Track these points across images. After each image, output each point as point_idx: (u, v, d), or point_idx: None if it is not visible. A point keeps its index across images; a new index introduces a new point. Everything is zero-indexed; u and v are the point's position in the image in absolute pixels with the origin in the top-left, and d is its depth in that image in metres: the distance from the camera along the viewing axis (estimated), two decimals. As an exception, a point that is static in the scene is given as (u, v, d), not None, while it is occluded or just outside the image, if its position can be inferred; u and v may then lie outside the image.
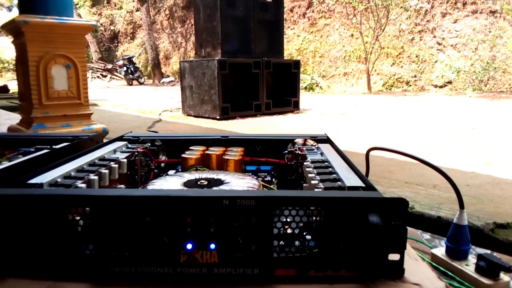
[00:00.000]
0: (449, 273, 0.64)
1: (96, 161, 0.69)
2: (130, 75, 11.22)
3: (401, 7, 7.24)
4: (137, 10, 13.96)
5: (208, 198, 0.47)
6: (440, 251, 0.69)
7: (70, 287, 0.47)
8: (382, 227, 0.45)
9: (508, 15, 6.40)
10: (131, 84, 11.13)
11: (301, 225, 0.48)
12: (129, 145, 0.85)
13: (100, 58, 14.48)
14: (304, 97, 5.04)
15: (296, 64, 4.17)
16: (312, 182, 0.59)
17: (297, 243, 0.48)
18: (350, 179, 0.57)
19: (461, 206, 0.65)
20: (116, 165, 0.68)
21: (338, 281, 0.48)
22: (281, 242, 0.48)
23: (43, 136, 1.06)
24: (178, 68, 4.67)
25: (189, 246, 0.47)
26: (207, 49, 3.77)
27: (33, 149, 0.79)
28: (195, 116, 3.75)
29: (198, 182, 0.67)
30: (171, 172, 0.85)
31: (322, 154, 0.75)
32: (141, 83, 11.34)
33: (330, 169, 0.64)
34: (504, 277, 0.60)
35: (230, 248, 0.48)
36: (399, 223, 0.47)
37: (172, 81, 11.27)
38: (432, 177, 1.42)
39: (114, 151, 0.78)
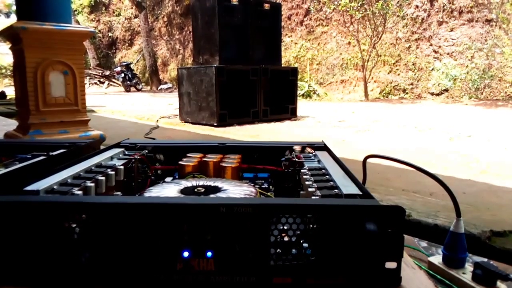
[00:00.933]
0: (446, 281, 0.64)
1: (93, 168, 0.69)
2: (128, 82, 11.23)
3: (398, 15, 7.30)
4: (136, 17, 14.01)
5: (205, 206, 0.47)
6: (437, 259, 0.69)
7: (66, 295, 0.47)
8: (379, 235, 0.45)
9: (503, 23, 6.46)
10: (129, 91, 11.13)
11: (298, 232, 0.48)
12: (126, 152, 0.84)
13: (98, 65, 14.50)
14: (302, 104, 5.06)
15: (294, 71, 4.19)
16: (309, 189, 0.59)
17: (294, 251, 0.48)
18: (347, 187, 0.57)
19: (458, 214, 0.65)
20: (113, 172, 0.68)
21: (335, 289, 0.48)
22: (278, 250, 0.48)
23: (40, 142, 1.06)
24: (176, 75, 4.68)
25: (185, 253, 0.47)
26: (205, 56, 3.79)
27: (30, 156, 0.79)
28: (192, 123, 3.75)
29: (195, 190, 0.67)
30: (168, 179, 0.85)
31: (319, 161, 0.75)
32: (138, 90, 11.34)
33: (327, 176, 0.64)
34: (501, 285, 0.60)
35: (226, 256, 0.47)
36: (396, 231, 0.47)
37: (169, 87, 11.28)
38: (429, 185, 1.42)
39: (111, 158, 0.78)
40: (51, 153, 0.81)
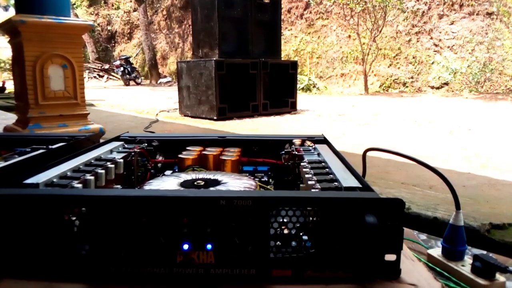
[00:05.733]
0: (445, 273, 0.65)
1: (92, 161, 0.69)
2: (127, 75, 11.20)
3: (398, 8, 7.26)
4: (135, 10, 13.94)
5: (205, 199, 0.47)
6: (436, 251, 0.69)
7: (66, 287, 0.47)
8: (379, 228, 0.45)
9: (504, 17, 6.43)
10: (128, 85, 11.11)
11: (298, 225, 0.48)
12: (126, 145, 0.84)
13: (97, 58, 14.45)
14: (301, 98, 5.05)
15: (294, 65, 4.18)
16: (309, 182, 0.59)
17: (293, 243, 0.48)
18: (347, 180, 0.57)
19: (457, 206, 0.65)
20: (113, 165, 0.68)
21: (335, 281, 0.48)
22: (278, 243, 0.48)
23: (39, 136, 1.05)
24: (175, 69, 4.67)
25: (185, 246, 0.47)
26: (204, 49, 3.77)
27: (29, 149, 0.79)
28: (192, 117, 3.75)
29: (195, 183, 0.67)
30: (167, 172, 0.85)
31: (319, 154, 0.75)
32: (138, 84, 11.32)
33: (327, 169, 0.64)
34: (500, 277, 0.61)
35: (226, 249, 0.47)
36: (395, 224, 0.47)
37: (169, 81, 11.25)
38: (429, 178, 1.42)
39: (111, 151, 0.78)
40: (50, 147, 0.81)
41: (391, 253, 0.48)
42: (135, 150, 0.80)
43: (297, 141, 0.87)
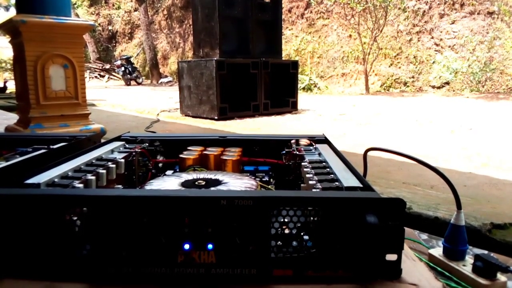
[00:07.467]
0: (447, 273, 0.64)
1: (93, 161, 0.69)
2: (128, 75, 11.21)
3: (399, 8, 7.25)
4: (135, 10, 13.95)
5: (206, 199, 0.47)
6: (437, 251, 0.69)
7: (67, 287, 0.47)
8: (380, 227, 0.45)
9: (505, 16, 6.42)
10: (129, 84, 11.11)
11: (299, 225, 0.48)
12: (127, 145, 0.84)
13: (98, 58, 14.46)
14: (302, 98, 5.04)
15: (294, 64, 4.18)
16: (310, 182, 0.59)
17: (294, 243, 0.48)
18: (348, 180, 0.57)
19: (459, 206, 0.65)
20: (114, 165, 0.68)
21: (336, 281, 0.48)
22: (279, 243, 0.48)
23: (40, 136, 1.05)
24: (176, 68, 4.67)
25: (186, 246, 0.47)
26: (205, 49, 3.77)
27: (31, 149, 0.79)
28: (193, 117, 3.75)
29: (196, 182, 0.67)
30: (169, 172, 0.85)
31: (320, 154, 0.75)
32: (139, 83, 11.32)
33: (328, 169, 0.64)
34: (501, 277, 0.60)
35: (227, 249, 0.47)
36: (396, 224, 0.47)
37: (170, 81, 11.26)
38: (430, 178, 1.42)
39: (112, 151, 0.78)
40: (51, 147, 0.81)
41: (392, 253, 0.48)
42: (136, 150, 0.80)
43: (298, 141, 0.87)
